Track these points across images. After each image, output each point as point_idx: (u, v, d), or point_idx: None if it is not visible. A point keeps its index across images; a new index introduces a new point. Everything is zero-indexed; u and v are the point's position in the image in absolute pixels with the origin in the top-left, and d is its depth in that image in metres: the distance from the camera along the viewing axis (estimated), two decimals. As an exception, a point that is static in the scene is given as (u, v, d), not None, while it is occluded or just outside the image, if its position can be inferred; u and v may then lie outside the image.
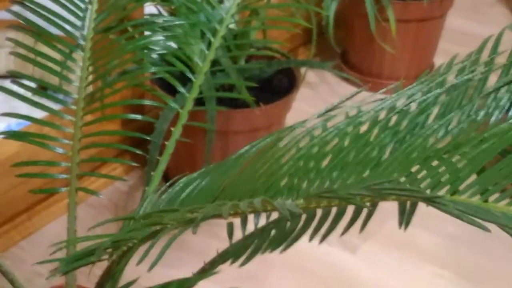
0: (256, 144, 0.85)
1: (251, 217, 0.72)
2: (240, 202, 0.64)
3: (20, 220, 1.57)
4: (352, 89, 2.07)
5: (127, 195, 1.72)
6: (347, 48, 2.25)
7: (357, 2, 2.03)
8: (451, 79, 0.80)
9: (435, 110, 0.81)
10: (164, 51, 1.10)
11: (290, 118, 1.71)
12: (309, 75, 2.21)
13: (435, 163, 0.71)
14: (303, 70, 1.76)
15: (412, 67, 2.16)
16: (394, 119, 0.81)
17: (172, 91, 1.32)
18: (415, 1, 2.08)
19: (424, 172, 0.70)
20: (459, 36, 2.39)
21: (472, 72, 0.78)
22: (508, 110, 0.78)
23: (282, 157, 0.82)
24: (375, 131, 0.81)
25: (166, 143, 1.07)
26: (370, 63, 2.19)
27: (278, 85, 1.72)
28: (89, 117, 1.07)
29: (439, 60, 2.25)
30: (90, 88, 1.10)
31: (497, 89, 0.77)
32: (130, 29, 1.12)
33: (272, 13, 1.66)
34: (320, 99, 2.14)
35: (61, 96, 1.10)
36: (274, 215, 0.78)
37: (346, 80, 2.19)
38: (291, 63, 1.71)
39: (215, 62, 1.29)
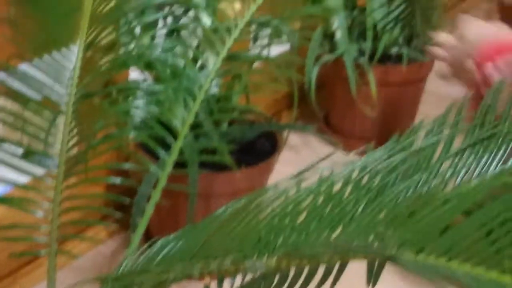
0: (232, 205, 0.87)
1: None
2: (210, 261, 0.65)
3: (4, 284, 1.58)
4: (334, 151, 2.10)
5: (111, 259, 1.72)
6: (329, 111, 2.29)
7: (339, 66, 2.08)
8: (419, 141, 0.83)
9: (404, 170, 0.84)
10: (147, 116, 1.13)
11: (273, 181, 1.73)
12: (292, 138, 2.24)
13: (402, 222, 0.74)
14: (285, 133, 1.79)
15: (393, 129, 2.19)
16: (365, 178, 0.84)
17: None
18: (395, 66, 2.13)
19: (391, 231, 0.72)
20: (439, 99, 2.43)
21: (438, 134, 0.81)
22: (473, 171, 0.81)
23: (258, 215, 0.85)
24: (348, 190, 0.84)
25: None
26: (352, 126, 2.23)
27: (260, 148, 1.75)
28: (73, 179, 1.09)
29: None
30: (75, 150, 1.12)
31: (462, 150, 0.80)
32: (114, 93, 1.16)
33: (255, 78, 1.70)
34: (303, 161, 2.14)
35: (47, 160, 1.12)
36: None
37: (329, 142, 2.22)
38: (273, 127, 1.75)
39: (198, 125, 1.31)
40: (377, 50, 2.08)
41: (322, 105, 2.20)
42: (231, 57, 1.37)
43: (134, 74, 1.59)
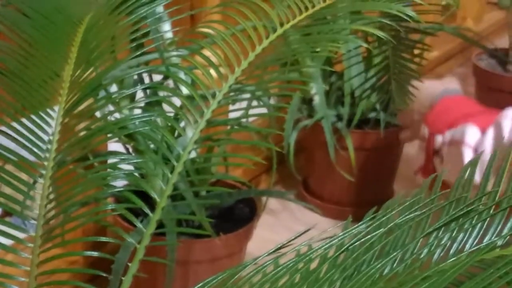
0: (207, 283, 0.87)
1: None
2: None
3: None
4: (314, 216, 2.10)
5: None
6: (308, 176, 2.30)
7: (317, 132, 2.10)
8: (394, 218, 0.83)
9: (381, 248, 0.84)
10: (125, 187, 1.13)
11: (252, 246, 1.73)
12: (271, 202, 2.24)
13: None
14: (264, 198, 1.79)
15: (372, 193, 2.20)
16: (342, 256, 0.84)
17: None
18: (372, 131, 2.15)
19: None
20: (417, 161, 2.45)
21: (414, 212, 0.82)
22: (449, 249, 0.81)
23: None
24: (325, 267, 0.84)
25: (122, 278, 1.08)
26: (331, 190, 2.24)
27: (239, 214, 1.75)
28: (54, 251, 1.08)
29: (398, 186, 2.30)
30: (52, 216, 1.12)
31: (438, 228, 0.81)
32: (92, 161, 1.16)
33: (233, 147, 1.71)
34: (282, 226, 2.17)
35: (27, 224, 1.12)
36: None
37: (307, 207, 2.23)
38: (251, 193, 1.75)
39: (176, 195, 1.31)
40: (355, 115, 2.10)
41: (301, 170, 2.21)
42: (209, 123, 1.38)
43: (113, 145, 1.60)
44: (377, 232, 0.83)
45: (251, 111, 1.63)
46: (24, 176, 1.13)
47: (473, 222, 0.81)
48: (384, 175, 2.27)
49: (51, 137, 1.17)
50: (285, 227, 2.17)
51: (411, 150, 2.40)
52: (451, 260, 0.78)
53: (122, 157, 1.17)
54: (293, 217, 2.24)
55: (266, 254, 0.88)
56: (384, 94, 2.06)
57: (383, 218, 0.83)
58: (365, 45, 1.60)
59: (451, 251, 0.82)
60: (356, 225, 0.85)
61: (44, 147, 1.16)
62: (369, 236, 0.84)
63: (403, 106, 2.05)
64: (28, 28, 1.17)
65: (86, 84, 1.21)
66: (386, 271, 0.81)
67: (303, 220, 2.19)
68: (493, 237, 0.81)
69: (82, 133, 1.19)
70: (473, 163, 0.89)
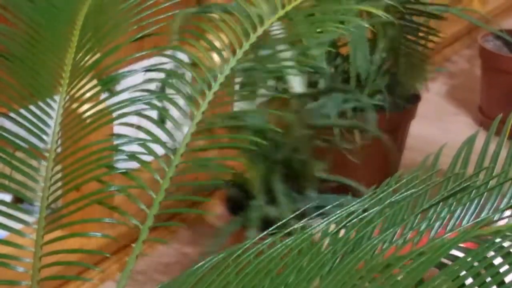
0: (211, 260, 0.88)
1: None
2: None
3: None
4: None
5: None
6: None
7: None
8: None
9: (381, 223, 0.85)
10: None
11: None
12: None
13: (377, 275, 0.75)
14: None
15: (378, 176, 2.20)
16: (342, 231, 0.85)
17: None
18: (378, 113, 2.15)
19: (367, 284, 0.74)
20: (423, 145, 2.46)
21: (412, 188, 0.83)
22: (447, 224, 0.82)
23: (237, 269, 0.85)
24: (325, 242, 0.85)
25: (127, 259, 1.09)
26: (337, 172, 2.24)
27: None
28: (55, 233, 1.09)
29: (404, 169, 2.31)
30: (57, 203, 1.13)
31: (435, 204, 0.81)
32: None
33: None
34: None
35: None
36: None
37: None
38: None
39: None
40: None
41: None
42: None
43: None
44: (377, 207, 0.84)
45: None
46: (34, 163, 1.15)
47: (470, 197, 0.81)
48: (390, 157, 2.27)
49: (53, 121, 1.18)
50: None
51: (418, 131, 2.41)
52: (447, 235, 0.79)
53: (124, 140, 1.17)
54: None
55: (265, 233, 0.89)
56: (391, 76, 2.06)
57: (381, 195, 0.83)
58: (368, 26, 1.59)
59: (449, 227, 0.82)
60: (355, 202, 0.86)
61: (48, 131, 1.17)
62: (369, 212, 0.85)
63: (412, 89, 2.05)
64: (30, 12, 1.18)
65: (87, 68, 1.22)
66: (385, 245, 0.82)
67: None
68: (490, 212, 0.81)
69: (84, 116, 1.20)
70: (471, 139, 0.89)
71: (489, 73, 2.72)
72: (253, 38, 1.38)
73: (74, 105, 1.20)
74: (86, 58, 1.19)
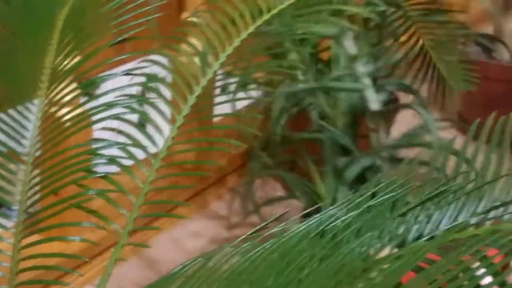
0: (188, 264, 0.87)
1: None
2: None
3: None
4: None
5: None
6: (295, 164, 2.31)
7: (305, 120, 2.11)
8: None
9: (359, 227, 0.85)
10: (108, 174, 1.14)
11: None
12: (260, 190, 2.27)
13: (356, 278, 0.75)
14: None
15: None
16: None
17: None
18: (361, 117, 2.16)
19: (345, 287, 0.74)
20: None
21: (391, 192, 0.83)
22: (425, 227, 0.83)
23: (215, 273, 0.85)
24: (304, 246, 0.85)
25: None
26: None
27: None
28: (36, 237, 1.09)
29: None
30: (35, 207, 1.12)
31: (413, 208, 0.82)
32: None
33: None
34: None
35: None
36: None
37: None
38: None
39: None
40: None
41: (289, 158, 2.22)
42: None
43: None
44: (355, 211, 0.84)
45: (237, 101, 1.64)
46: (12, 167, 1.14)
47: (448, 201, 0.82)
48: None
49: (32, 125, 1.18)
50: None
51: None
52: (425, 239, 0.80)
53: (103, 144, 1.17)
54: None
55: (241, 239, 0.89)
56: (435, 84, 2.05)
57: (360, 199, 0.84)
58: (351, 26, 1.60)
59: (426, 230, 0.83)
60: (333, 206, 0.86)
61: (27, 135, 1.17)
62: (347, 216, 0.85)
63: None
64: (8, 14, 1.18)
65: (67, 71, 1.22)
66: (364, 249, 0.82)
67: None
68: (467, 216, 0.82)
69: (64, 120, 1.20)
70: (449, 144, 0.90)
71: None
72: (237, 42, 1.38)
73: (53, 109, 1.20)
74: (66, 62, 1.19)
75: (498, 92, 2.68)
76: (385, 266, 0.76)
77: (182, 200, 2.07)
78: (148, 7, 1.59)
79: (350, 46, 2.07)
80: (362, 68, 2.07)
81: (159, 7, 1.64)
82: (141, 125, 1.30)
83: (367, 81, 2.05)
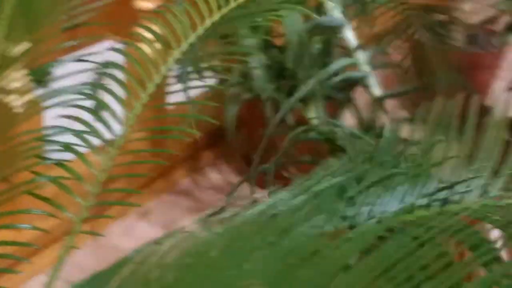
0: (139, 250, 0.88)
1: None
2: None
3: None
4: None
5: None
6: (249, 150, 2.31)
7: (257, 106, 2.11)
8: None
9: (309, 211, 0.86)
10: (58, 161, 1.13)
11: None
12: (214, 177, 2.26)
13: (306, 260, 0.76)
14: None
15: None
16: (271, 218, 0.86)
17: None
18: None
19: (291, 274, 0.75)
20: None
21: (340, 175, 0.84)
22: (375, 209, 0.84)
23: (165, 258, 0.86)
24: (255, 229, 0.86)
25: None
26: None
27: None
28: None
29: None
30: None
31: (364, 190, 0.83)
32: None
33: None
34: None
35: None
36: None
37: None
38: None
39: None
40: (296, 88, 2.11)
41: (243, 145, 2.22)
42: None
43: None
44: (304, 195, 0.85)
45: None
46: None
47: (397, 183, 0.83)
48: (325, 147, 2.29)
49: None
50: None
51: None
52: (374, 221, 0.81)
53: (56, 131, 1.16)
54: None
55: (197, 220, 0.89)
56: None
57: (310, 183, 0.85)
58: (310, 13, 1.61)
59: (377, 213, 0.84)
60: (284, 190, 0.87)
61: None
62: (297, 200, 0.86)
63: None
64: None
65: (16, 58, 1.20)
66: (314, 232, 0.83)
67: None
68: (416, 199, 0.83)
69: (14, 106, 1.19)
70: (394, 128, 0.91)
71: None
72: (200, 30, 1.37)
73: (3, 96, 1.18)
74: (15, 48, 1.17)
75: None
76: (335, 248, 0.77)
77: (136, 188, 2.06)
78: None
79: (349, 36, 2.11)
80: (362, 55, 2.12)
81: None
82: (96, 113, 1.29)
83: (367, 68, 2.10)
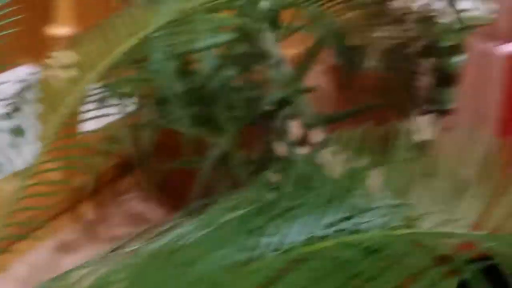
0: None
1: None
2: None
3: None
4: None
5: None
6: (168, 177, 2.29)
7: (174, 132, 2.10)
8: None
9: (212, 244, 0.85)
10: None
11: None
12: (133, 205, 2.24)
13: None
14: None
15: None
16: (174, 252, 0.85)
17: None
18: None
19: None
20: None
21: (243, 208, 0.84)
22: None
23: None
24: (158, 263, 0.85)
25: None
26: (190, 191, 2.23)
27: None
28: None
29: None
30: None
31: (266, 222, 0.83)
32: None
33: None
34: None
35: None
36: None
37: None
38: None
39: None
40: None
41: (160, 172, 2.20)
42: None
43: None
44: (208, 228, 0.84)
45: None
46: None
47: (299, 214, 0.83)
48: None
49: None
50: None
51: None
52: (273, 254, 0.80)
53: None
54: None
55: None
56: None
57: (213, 215, 0.84)
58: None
59: (283, 244, 0.83)
60: (188, 223, 0.86)
61: None
62: (201, 232, 0.85)
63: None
64: None
65: None
66: (216, 265, 0.83)
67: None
68: (317, 229, 0.83)
69: None
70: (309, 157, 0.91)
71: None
72: (117, 54, 1.36)
73: None
74: None
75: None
76: (239, 280, 0.77)
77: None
78: (8, 20, 1.54)
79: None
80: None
81: (22, 19, 1.60)
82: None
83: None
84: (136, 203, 2.28)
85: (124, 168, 2.19)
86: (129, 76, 1.87)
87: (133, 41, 1.38)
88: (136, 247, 0.86)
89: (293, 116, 2.20)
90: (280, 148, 2.14)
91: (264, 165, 2.09)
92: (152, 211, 2.26)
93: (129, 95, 2.02)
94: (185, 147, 2.06)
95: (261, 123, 2.17)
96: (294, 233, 0.85)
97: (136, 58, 1.52)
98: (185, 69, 2.15)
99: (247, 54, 2.12)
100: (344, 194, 0.87)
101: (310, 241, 0.80)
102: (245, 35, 2.11)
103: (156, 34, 1.43)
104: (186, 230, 0.85)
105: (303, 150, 2.10)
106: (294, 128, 2.19)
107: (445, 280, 0.67)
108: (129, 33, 1.34)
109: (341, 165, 0.93)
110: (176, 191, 2.27)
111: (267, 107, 2.16)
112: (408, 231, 0.77)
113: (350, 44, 2.75)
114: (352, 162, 0.93)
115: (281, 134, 2.17)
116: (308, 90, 2.38)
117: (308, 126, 2.15)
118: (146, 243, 0.86)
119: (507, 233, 0.69)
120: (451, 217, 0.77)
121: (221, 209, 0.85)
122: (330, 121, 2.13)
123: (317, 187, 0.89)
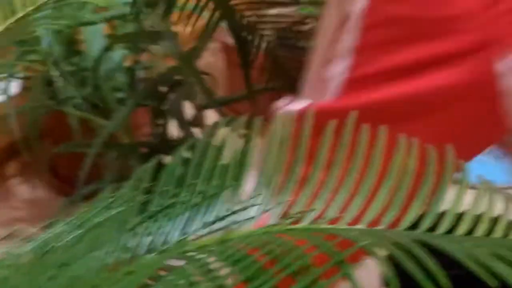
0: None
1: None
2: None
3: None
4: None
5: None
6: (57, 161, 2.23)
7: (63, 114, 2.04)
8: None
9: (91, 243, 0.82)
10: None
11: None
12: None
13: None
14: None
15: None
16: (49, 254, 0.81)
17: None
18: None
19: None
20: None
21: (120, 206, 0.81)
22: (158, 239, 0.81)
23: None
24: (30, 265, 0.81)
25: None
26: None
27: None
28: None
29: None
30: None
31: (144, 220, 0.80)
32: None
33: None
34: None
35: None
36: None
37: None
38: None
39: None
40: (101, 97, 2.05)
41: (49, 155, 2.14)
42: None
43: None
44: (85, 227, 0.81)
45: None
46: None
47: (179, 211, 0.81)
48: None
49: None
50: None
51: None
52: (153, 255, 0.78)
53: None
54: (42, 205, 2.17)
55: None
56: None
57: (88, 214, 0.81)
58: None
59: (159, 243, 0.81)
60: (63, 222, 0.82)
61: None
62: (78, 232, 0.82)
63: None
64: None
65: None
66: (96, 265, 0.79)
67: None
68: (198, 227, 0.81)
69: None
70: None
71: (232, 68, 2.76)
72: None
73: None
74: None
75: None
76: (116, 282, 0.74)
77: None
78: None
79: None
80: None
81: None
82: None
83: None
84: (23, 188, 2.20)
85: (11, 152, 2.11)
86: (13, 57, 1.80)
87: (10, 21, 1.32)
88: (6, 249, 0.81)
89: (186, 97, 2.17)
90: (173, 130, 2.11)
91: (156, 147, 2.06)
92: (40, 195, 2.20)
93: (14, 77, 1.94)
94: (74, 131, 2.00)
95: (154, 105, 2.13)
96: (172, 232, 0.82)
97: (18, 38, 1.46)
98: (73, 50, 2.08)
99: (137, 34, 2.07)
100: (220, 190, 0.84)
101: (183, 241, 0.78)
102: (136, 13, 2.06)
103: (38, 15, 1.37)
104: (62, 229, 0.81)
105: (196, 132, 2.08)
106: (188, 109, 2.16)
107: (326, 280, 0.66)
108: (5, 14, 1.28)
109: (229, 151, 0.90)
110: (65, 175, 2.21)
111: (159, 88, 2.12)
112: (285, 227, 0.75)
113: (244, 22, 2.73)
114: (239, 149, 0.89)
115: (174, 115, 2.14)
116: (202, 70, 2.35)
117: (202, 107, 2.13)
118: (18, 245, 0.82)
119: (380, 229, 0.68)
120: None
121: (95, 208, 0.81)
122: (224, 104, 2.11)
123: (192, 184, 0.85)
